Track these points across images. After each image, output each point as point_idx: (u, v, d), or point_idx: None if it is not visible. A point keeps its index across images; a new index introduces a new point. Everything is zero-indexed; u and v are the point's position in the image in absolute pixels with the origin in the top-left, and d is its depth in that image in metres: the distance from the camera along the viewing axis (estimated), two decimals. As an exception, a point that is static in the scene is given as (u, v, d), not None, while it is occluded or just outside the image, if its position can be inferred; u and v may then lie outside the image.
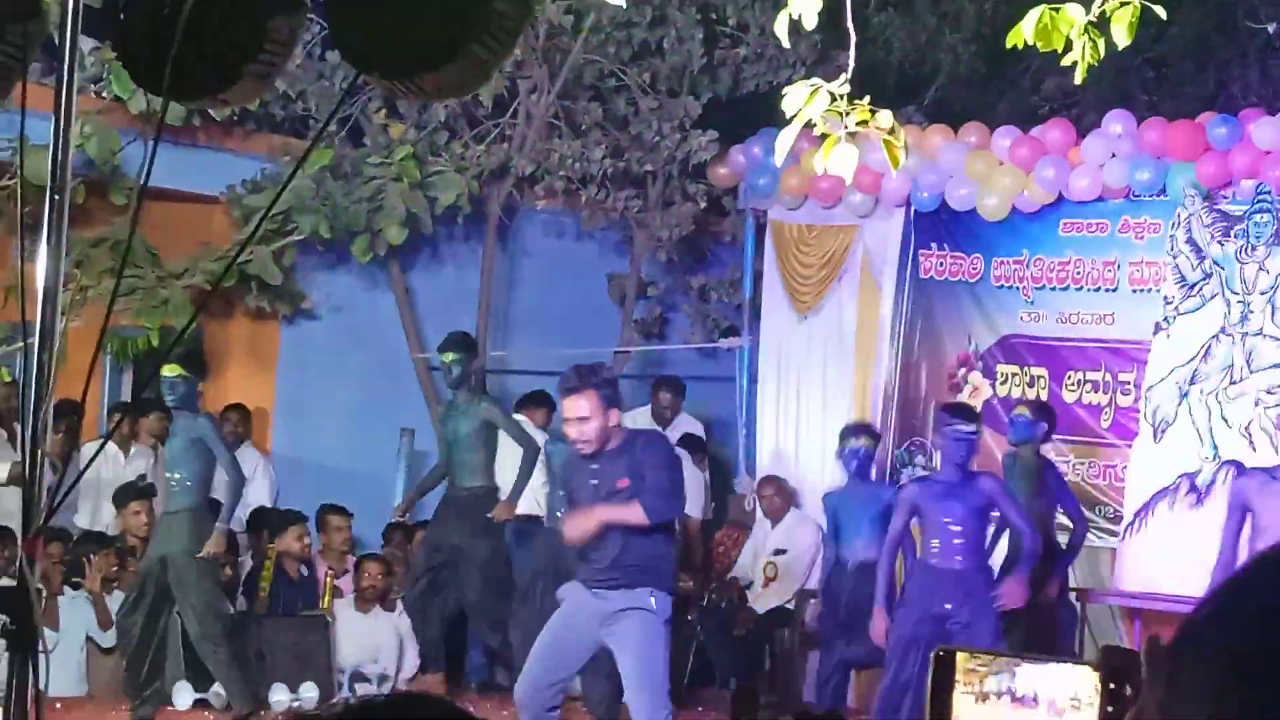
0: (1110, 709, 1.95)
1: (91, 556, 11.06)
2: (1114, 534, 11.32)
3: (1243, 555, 8.72)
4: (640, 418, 13.06)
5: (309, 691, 11.10)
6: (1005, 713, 2.00)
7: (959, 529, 9.47)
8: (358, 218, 12.45)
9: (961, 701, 2.01)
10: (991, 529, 9.93)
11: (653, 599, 7.95)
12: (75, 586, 11.02)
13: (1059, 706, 1.99)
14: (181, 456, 10.19)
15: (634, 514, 7.92)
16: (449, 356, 11.47)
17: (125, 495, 11.45)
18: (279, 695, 10.91)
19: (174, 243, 11.96)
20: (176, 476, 10.21)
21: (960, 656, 2.02)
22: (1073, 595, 10.92)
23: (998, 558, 10.10)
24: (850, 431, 11.08)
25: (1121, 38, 5.04)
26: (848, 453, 10.92)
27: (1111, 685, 1.95)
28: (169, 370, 10.07)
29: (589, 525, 7.95)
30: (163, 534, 10.31)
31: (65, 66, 3.77)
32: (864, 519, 10.71)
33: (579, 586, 8.15)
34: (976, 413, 10.25)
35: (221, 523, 10.39)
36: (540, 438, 11.62)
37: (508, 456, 11.42)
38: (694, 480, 12.49)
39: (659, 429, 11.58)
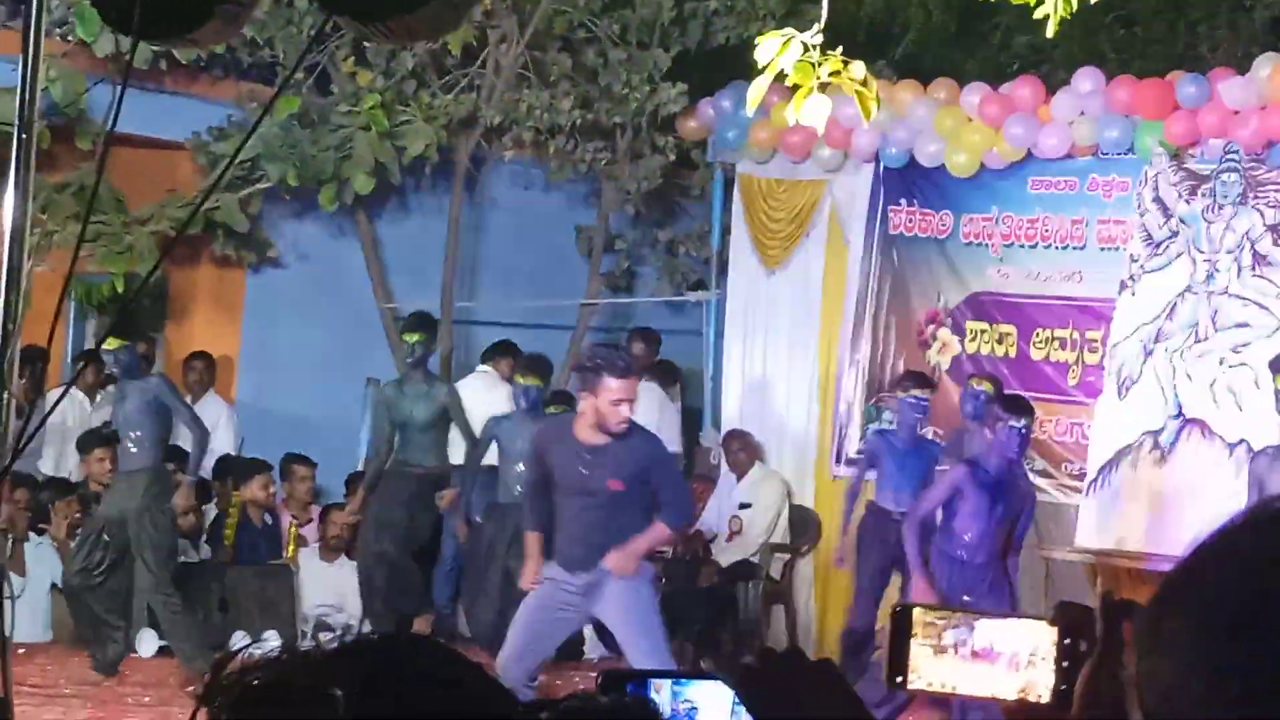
0: (1066, 664, 1.96)
1: (56, 503, 11.03)
2: (1078, 490, 11.36)
3: None
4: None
5: (271, 640, 11.09)
6: (963, 665, 2.01)
7: (907, 491, 10.04)
8: (325, 166, 12.40)
9: (919, 652, 2.01)
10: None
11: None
12: (40, 533, 10.99)
13: (1017, 660, 2.00)
14: (136, 417, 10.13)
15: (662, 535, 8.25)
16: (413, 337, 11.29)
17: (89, 442, 11.41)
18: (240, 643, 10.90)
19: (140, 189, 11.90)
20: (133, 435, 10.15)
21: (917, 611, 2.03)
22: (1038, 551, 10.95)
23: None
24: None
25: (1095, -9, 5.04)
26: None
27: (1067, 641, 1.97)
28: (110, 344, 10.04)
29: (632, 565, 8.01)
30: (122, 491, 10.23)
31: (34, 6, 3.73)
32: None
33: (554, 567, 8.14)
34: (932, 380, 10.52)
35: (189, 475, 10.38)
36: (500, 400, 11.51)
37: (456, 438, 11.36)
38: (668, 412, 12.51)
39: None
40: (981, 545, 9.35)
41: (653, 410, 11.46)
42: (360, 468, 12.61)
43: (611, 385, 7.89)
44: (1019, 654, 1.98)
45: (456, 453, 11.34)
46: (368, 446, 12.16)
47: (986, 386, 10.68)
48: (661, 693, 1.99)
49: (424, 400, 11.23)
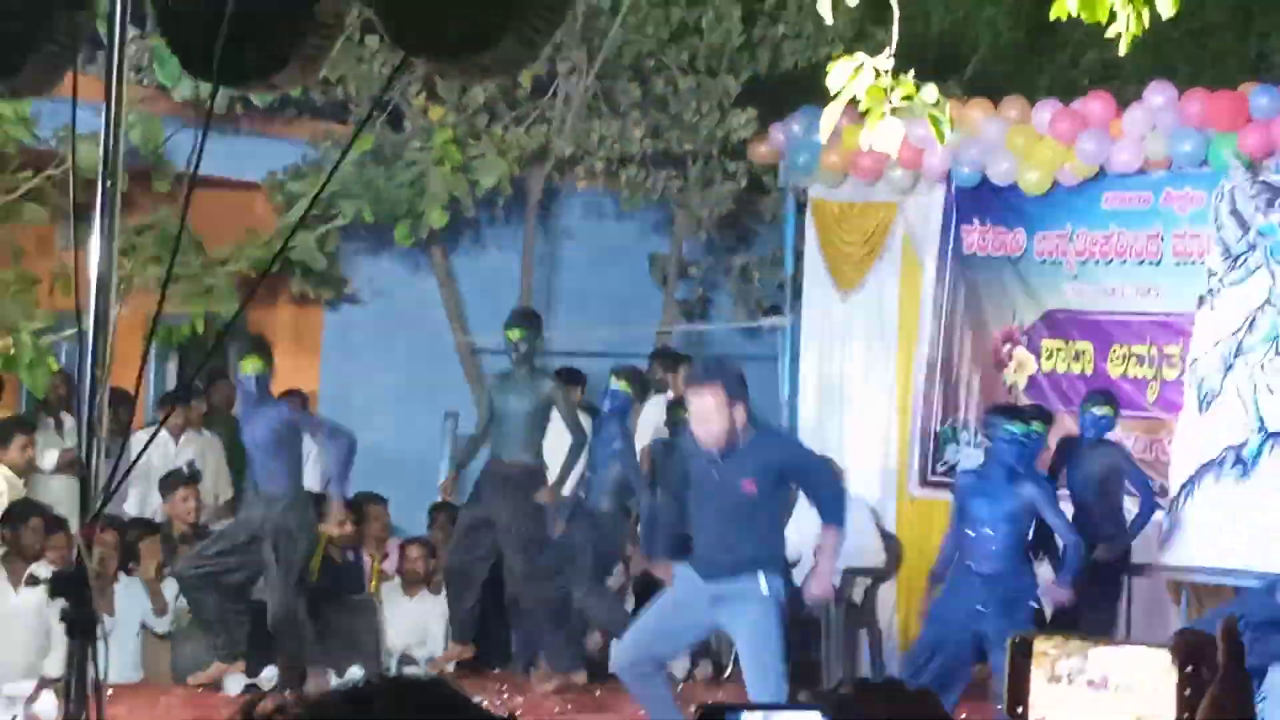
0: (1188, 692, 1.95)
1: (143, 543, 11.12)
2: (1160, 508, 11.28)
3: None
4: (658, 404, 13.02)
5: (356, 674, 11.13)
6: (1078, 694, 2.01)
7: (991, 532, 9.40)
8: (399, 202, 12.48)
9: (1036, 682, 2.01)
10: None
11: (763, 581, 7.97)
12: (129, 573, 11.08)
13: (1131, 689, 1.99)
14: (268, 446, 10.37)
15: (837, 539, 8.28)
16: (515, 333, 11.29)
17: (171, 483, 11.52)
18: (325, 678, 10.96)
19: (217, 229, 12.01)
20: (268, 466, 10.41)
21: (1036, 641, 2.03)
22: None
23: None
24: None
25: (1167, 8, 5.03)
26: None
27: (1189, 669, 1.95)
28: (246, 368, 10.29)
29: (828, 583, 8.27)
30: (254, 513, 10.52)
31: (115, 56, 3.79)
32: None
33: (689, 569, 8.19)
34: (1029, 413, 10.06)
35: (335, 491, 10.62)
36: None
37: (556, 437, 11.33)
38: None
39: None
40: (989, 555, 9.33)
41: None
42: (442, 498, 12.68)
43: (690, 402, 8.19)
44: (1135, 682, 1.97)
45: (552, 453, 11.36)
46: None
47: (1107, 410, 10.65)
48: None
49: (523, 393, 11.18)
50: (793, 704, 2.00)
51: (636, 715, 9.20)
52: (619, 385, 11.03)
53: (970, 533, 9.47)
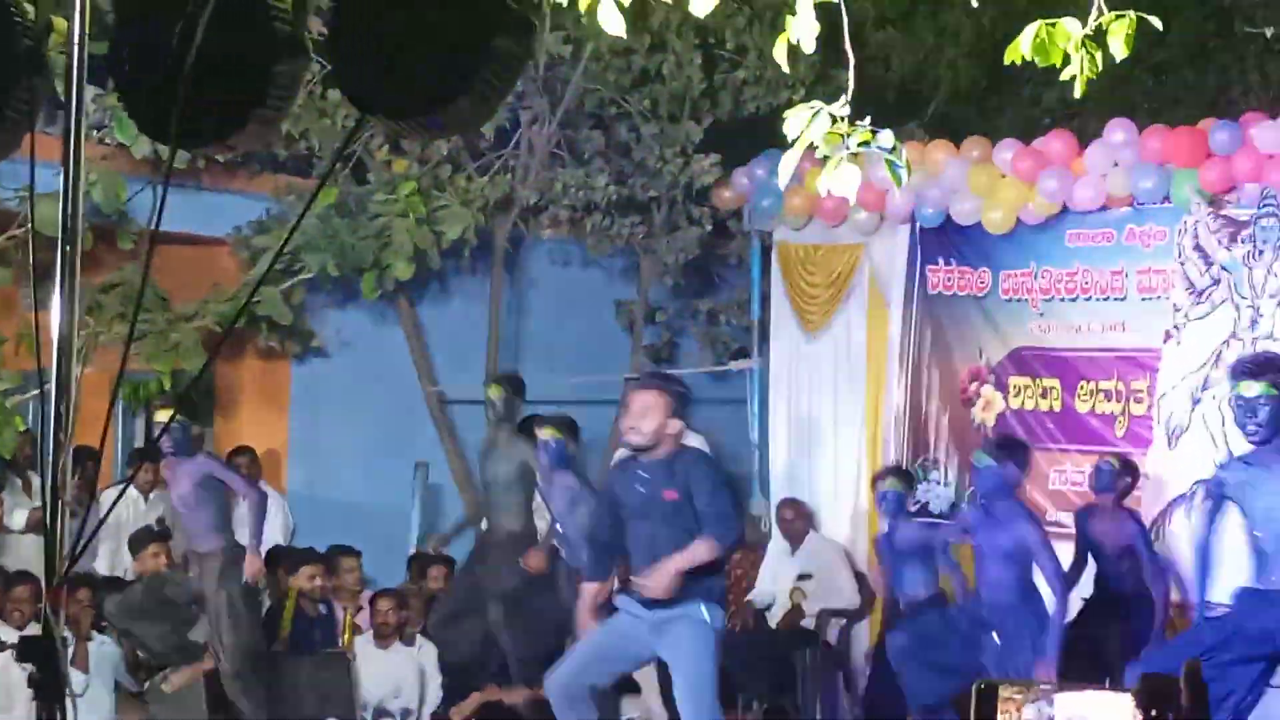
0: None
1: (115, 597, 11.08)
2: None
3: None
4: None
5: (331, 730, 11.11)
6: None
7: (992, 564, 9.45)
8: (365, 255, 12.48)
9: None
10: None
11: (704, 609, 8.01)
12: (102, 630, 11.03)
13: None
14: (192, 498, 10.29)
15: (706, 551, 8.06)
16: (495, 391, 11.38)
17: (142, 540, 11.48)
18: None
19: (182, 286, 11.99)
20: (198, 521, 10.32)
21: (1001, 687, 2.06)
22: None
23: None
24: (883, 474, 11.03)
25: (1119, 50, 5.06)
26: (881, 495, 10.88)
27: (1153, 712, 1.97)
28: (161, 415, 10.23)
29: (666, 581, 8.04)
30: (195, 574, 10.42)
31: (73, 120, 3.79)
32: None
33: (630, 599, 8.23)
34: (1006, 443, 10.01)
35: (252, 542, 10.53)
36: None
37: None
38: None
39: (703, 448, 11.41)
40: (990, 588, 9.35)
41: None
42: (413, 551, 12.67)
43: (630, 399, 8.25)
44: None
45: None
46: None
47: (1114, 461, 10.64)
48: None
49: (505, 459, 11.26)
50: None
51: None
52: (547, 434, 10.72)
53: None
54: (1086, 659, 10.10)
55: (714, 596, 8.13)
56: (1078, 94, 4.97)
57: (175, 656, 10.82)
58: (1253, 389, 8.50)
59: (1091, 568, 10.49)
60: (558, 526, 10.60)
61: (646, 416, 8.04)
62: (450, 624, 11.47)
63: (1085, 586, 10.46)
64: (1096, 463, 10.75)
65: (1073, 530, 10.91)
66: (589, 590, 8.54)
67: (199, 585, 10.39)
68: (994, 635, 9.37)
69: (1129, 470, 10.64)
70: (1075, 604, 10.43)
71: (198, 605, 10.43)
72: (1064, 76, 5.07)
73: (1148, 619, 10.24)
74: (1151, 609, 10.27)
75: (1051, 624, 9.41)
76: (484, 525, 11.64)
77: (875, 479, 11.24)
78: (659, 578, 8.03)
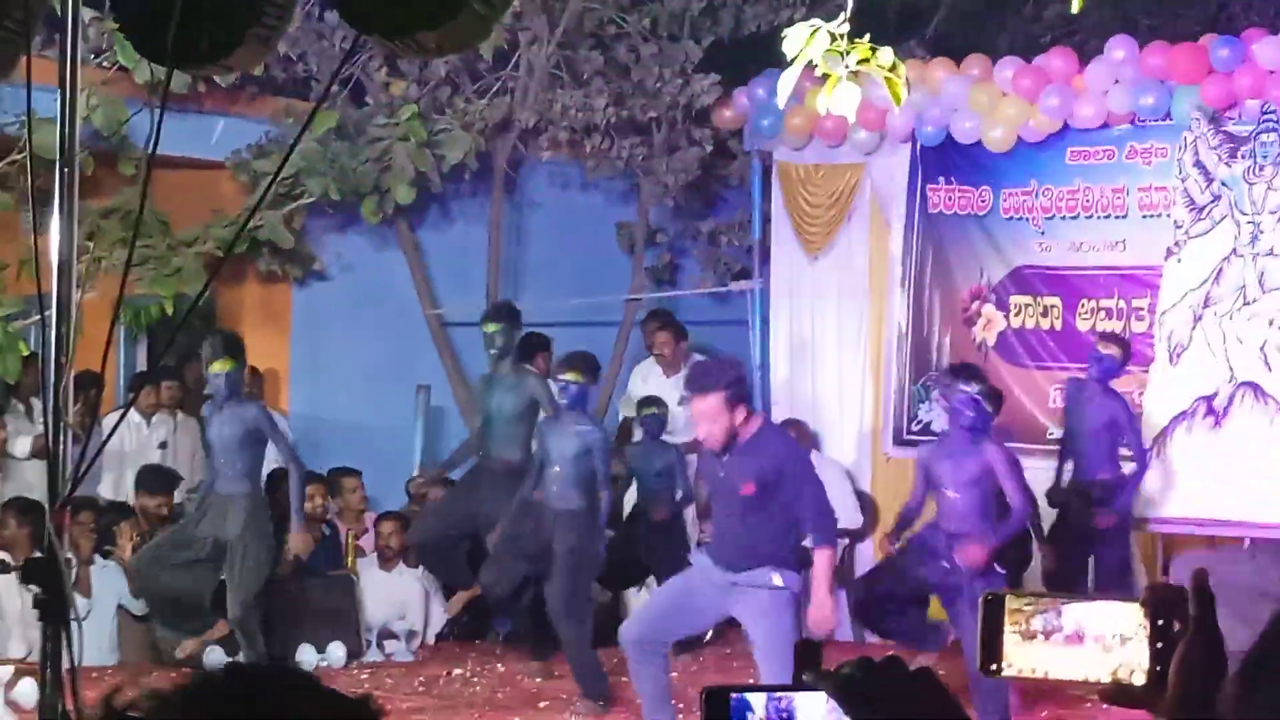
0: (1160, 644, 1.97)
1: (120, 525, 11.12)
2: (1133, 460, 11.33)
3: None
4: (648, 366, 13.04)
5: (337, 651, 11.17)
6: (1052, 650, 2.04)
7: (955, 496, 9.33)
8: (365, 179, 12.46)
9: (1009, 640, 2.04)
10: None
11: (776, 576, 8.05)
12: (106, 555, 11.07)
13: (1106, 643, 2.02)
14: (234, 446, 10.31)
15: (830, 560, 8.26)
16: (492, 327, 11.32)
17: (149, 482, 11.44)
18: (306, 655, 10.98)
19: (183, 210, 11.97)
20: (227, 460, 10.33)
21: (1008, 598, 2.06)
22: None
23: None
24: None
25: (1119, -36, 5.05)
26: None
27: (1160, 622, 1.98)
28: (216, 367, 10.22)
29: (829, 612, 8.21)
30: (215, 515, 10.41)
31: (69, 40, 3.79)
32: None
33: (705, 556, 8.30)
34: (981, 372, 9.89)
35: (297, 518, 10.56)
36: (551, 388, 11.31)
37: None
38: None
39: (785, 431, 11.05)
40: (956, 516, 9.32)
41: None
42: (415, 473, 12.69)
43: (691, 404, 8.31)
44: (1109, 636, 2.00)
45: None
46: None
47: (1114, 350, 10.63)
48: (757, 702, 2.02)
49: (509, 390, 11.23)
50: (796, 685, 2.02)
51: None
52: (569, 376, 10.38)
53: (938, 497, 9.45)
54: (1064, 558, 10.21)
55: (786, 562, 8.14)
56: (1074, 9, 4.96)
57: (188, 627, 10.84)
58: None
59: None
60: (554, 468, 10.39)
61: (715, 422, 8.05)
62: (437, 548, 11.41)
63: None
64: (1091, 352, 10.77)
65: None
66: None
67: (217, 530, 10.39)
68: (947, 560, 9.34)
69: (1125, 351, 10.69)
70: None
71: (215, 550, 10.43)
72: (1063, -9, 5.06)
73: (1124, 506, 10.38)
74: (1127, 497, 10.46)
75: (1003, 533, 9.35)
76: (481, 455, 11.57)
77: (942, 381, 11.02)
78: (822, 611, 8.19)
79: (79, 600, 10.51)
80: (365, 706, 1.72)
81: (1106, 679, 2.00)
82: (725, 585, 8.14)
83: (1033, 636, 2.03)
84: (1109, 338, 10.89)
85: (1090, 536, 10.50)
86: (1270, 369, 10.86)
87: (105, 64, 11.31)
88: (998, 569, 9.32)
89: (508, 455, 11.26)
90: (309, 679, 1.73)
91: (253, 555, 10.36)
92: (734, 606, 8.23)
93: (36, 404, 11.33)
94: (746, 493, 8.08)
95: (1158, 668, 1.97)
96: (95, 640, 10.76)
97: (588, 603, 10.50)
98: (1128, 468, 10.76)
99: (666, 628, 8.46)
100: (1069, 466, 10.74)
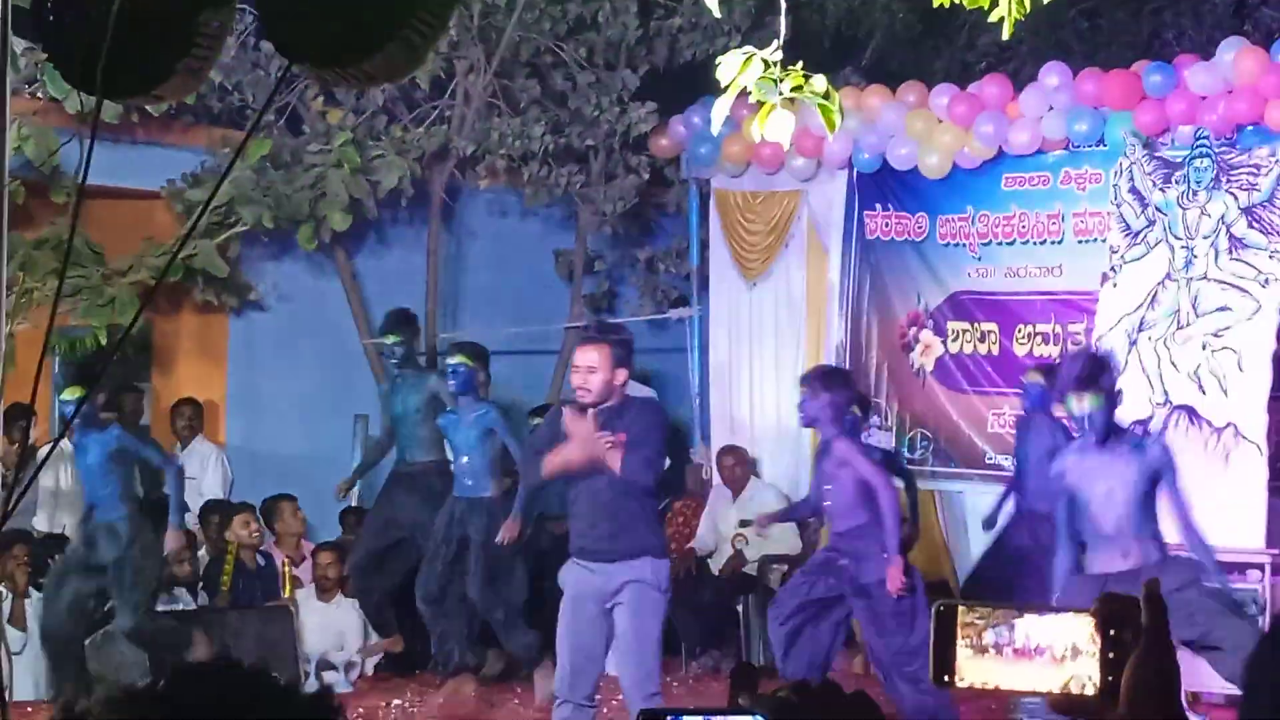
0: (1111, 655, 1.98)
1: (55, 557, 11.01)
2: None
3: None
4: None
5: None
6: (1005, 664, 2.04)
7: (829, 487, 9.40)
8: (301, 206, 12.42)
9: (961, 652, 2.04)
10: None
11: (651, 568, 7.98)
12: (40, 588, 10.97)
13: (1057, 655, 2.02)
14: (101, 469, 10.17)
15: (612, 459, 7.92)
16: (390, 338, 11.50)
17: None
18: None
19: (117, 240, 11.91)
20: (97, 490, 10.20)
21: (960, 610, 2.07)
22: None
23: None
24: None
25: (1047, -9, 5.07)
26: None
27: (1111, 632, 1.98)
28: (67, 394, 10.11)
29: (570, 456, 7.95)
30: (95, 544, 10.28)
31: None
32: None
33: (575, 566, 8.16)
34: (822, 375, 9.80)
35: (173, 517, 10.43)
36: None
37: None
38: None
39: (655, 397, 11.34)
40: (842, 510, 9.37)
41: None
42: (354, 502, 12.66)
43: (575, 354, 8.16)
44: (1061, 647, 2.00)
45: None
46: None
47: (1039, 379, 10.65)
48: None
49: (413, 391, 11.26)
50: (732, 709, 2.03)
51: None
52: (455, 360, 10.55)
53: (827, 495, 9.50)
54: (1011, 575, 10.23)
55: (657, 552, 8.07)
56: (1005, 35, 4.98)
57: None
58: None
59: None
60: (463, 459, 10.51)
61: (594, 373, 8.02)
62: (372, 567, 11.35)
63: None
64: (1024, 382, 10.80)
65: (1009, 474, 10.99)
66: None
67: (102, 555, 10.25)
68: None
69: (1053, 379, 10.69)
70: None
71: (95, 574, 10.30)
72: (992, 18, 5.07)
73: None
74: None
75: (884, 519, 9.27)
76: (394, 460, 11.60)
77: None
78: (560, 455, 8.00)
79: (15, 634, 10.43)
80: (323, 702, 1.68)
81: (1059, 690, 2.00)
82: (604, 592, 7.99)
83: (984, 651, 2.03)
84: (1037, 368, 10.94)
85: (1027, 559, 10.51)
86: (1204, 393, 10.92)
87: (37, 95, 11.25)
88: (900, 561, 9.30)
89: (421, 457, 11.30)
90: (264, 676, 1.69)
91: (129, 580, 10.25)
92: (614, 608, 8.02)
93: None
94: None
95: (1109, 678, 1.97)
96: (32, 673, 10.67)
97: (515, 589, 10.54)
98: None
99: (584, 660, 8.10)
100: (1013, 497, 10.73)
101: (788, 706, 1.90)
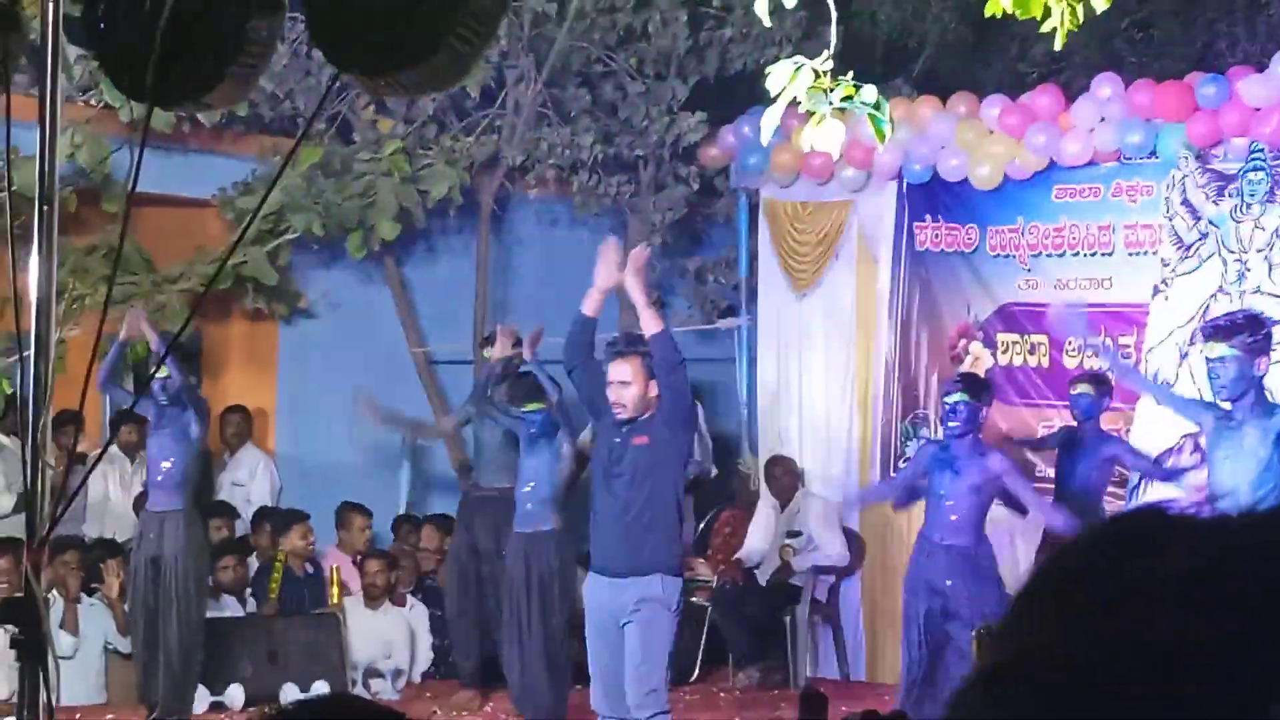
0: None
1: (107, 562, 11.07)
2: (1121, 498, 11.32)
3: None
4: None
5: (321, 690, 11.11)
6: None
7: (951, 503, 9.33)
8: (350, 214, 12.45)
9: None
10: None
11: (661, 586, 7.96)
12: (92, 592, 11.03)
13: None
14: (169, 445, 10.18)
15: (652, 322, 8.09)
16: (488, 353, 11.41)
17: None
18: (290, 695, 10.94)
19: (169, 248, 11.97)
20: (163, 468, 10.19)
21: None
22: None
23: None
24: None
25: (1100, 1, 5.05)
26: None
27: None
28: (163, 373, 10.12)
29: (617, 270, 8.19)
30: (154, 534, 10.26)
31: (49, 76, 3.77)
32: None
33: (595, 580, 8.16)
34: (969, 381, 9.88)
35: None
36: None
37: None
38: None
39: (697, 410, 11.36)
40: (943, 525, 9.32)
41: None
42: (403, 510, 12.69)
43: (608, 369, 8.19)
44: None
45: None
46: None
47: (1086, 389, 10.60)
48: None
49: (494, 423, 11.21)
50: None
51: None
52: (528, 408, 10.50)
53: (932, 503, 9.45)
54: None
55: (671, 569, 8.06)
56: (1058, 46, 4.96)
57: None
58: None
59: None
60: (525, 488, 10.38)
61: (628, 386, 8.01)
62: (457, 593, 11.33)
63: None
64: (1071, 392, 10.74)
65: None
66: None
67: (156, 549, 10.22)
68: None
69: (1105, 390, 10.64)
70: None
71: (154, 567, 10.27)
72: (1044, 29, 5.06)
73: None
74: None
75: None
76: (469, 484, 11.63)
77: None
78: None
79: (67, 639, 10.48)
80: None
81: None
82: (620, 609, 7.99)
83: None
84: (1081, 377, 10.88)
85: None
86: (1257, 406, 10.84)
87: (91, 101, 11.31)
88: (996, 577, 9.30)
89: (496, 483, 11.25)
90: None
91: (190, 574, 10.28)
92: (625, 612, 8.03)
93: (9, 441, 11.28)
94: (639, 443, 7.98)
95: None
96: (83, 679, 10.73)
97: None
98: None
99: (619, 674, 8.07)
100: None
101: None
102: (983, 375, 11.42)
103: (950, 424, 9.48)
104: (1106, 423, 10.94)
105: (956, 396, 9.47)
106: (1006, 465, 9.40)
